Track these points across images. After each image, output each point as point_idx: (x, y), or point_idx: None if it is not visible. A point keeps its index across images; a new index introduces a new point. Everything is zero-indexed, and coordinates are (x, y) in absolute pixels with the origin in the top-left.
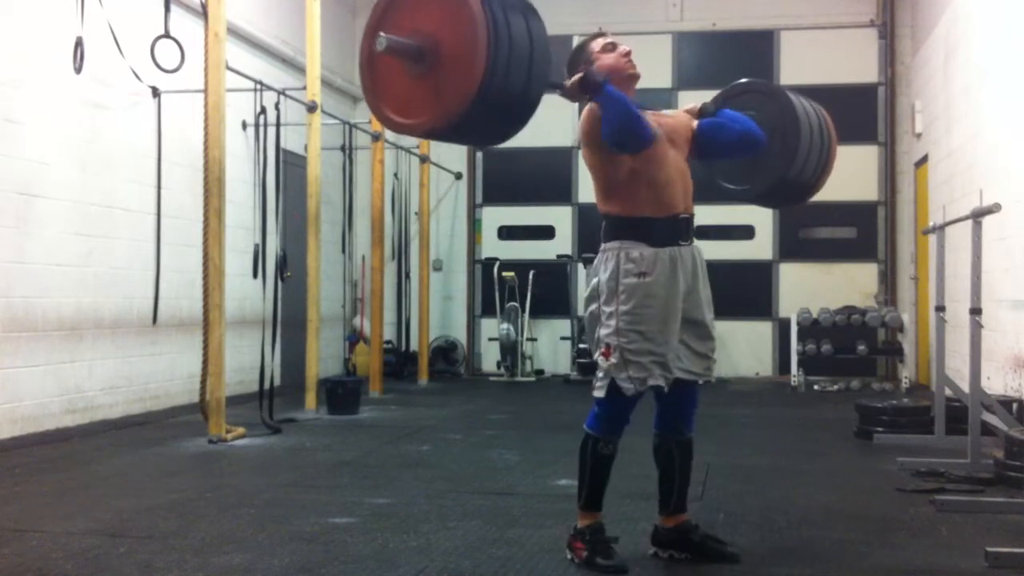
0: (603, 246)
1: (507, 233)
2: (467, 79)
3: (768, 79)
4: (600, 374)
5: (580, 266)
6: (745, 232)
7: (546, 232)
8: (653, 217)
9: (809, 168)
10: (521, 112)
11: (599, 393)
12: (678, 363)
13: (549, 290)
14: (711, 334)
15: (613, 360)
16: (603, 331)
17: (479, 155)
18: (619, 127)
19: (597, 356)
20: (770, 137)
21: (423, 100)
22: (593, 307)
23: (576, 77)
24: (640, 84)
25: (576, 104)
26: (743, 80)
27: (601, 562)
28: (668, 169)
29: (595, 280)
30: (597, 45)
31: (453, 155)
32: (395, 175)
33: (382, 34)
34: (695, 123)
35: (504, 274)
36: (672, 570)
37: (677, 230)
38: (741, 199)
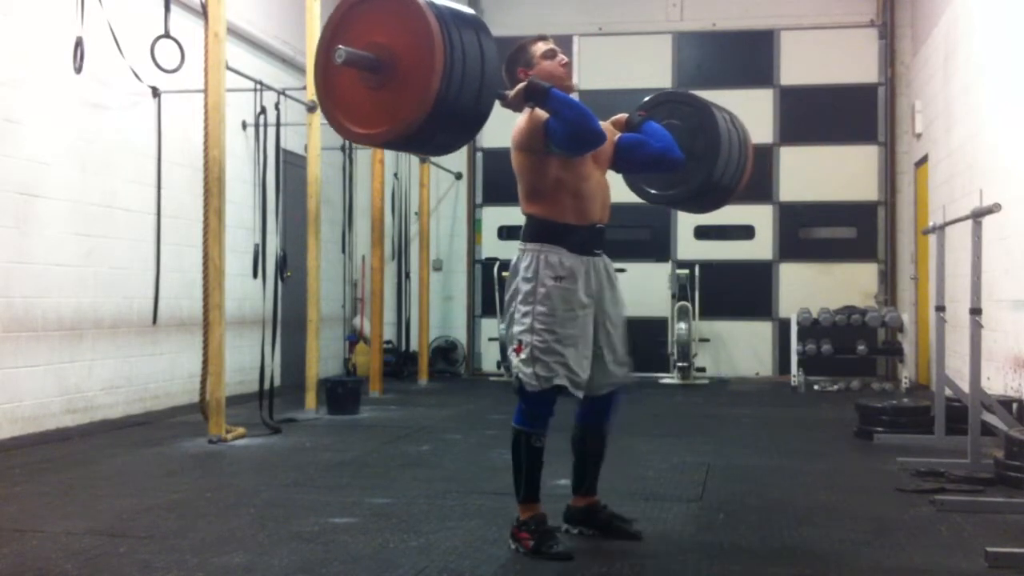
0: (524, 245)
1: (507, 233)
2: (424, 92)
3: (768, 79)
4: (512, 370)
5: None
6: (745, 232)
7: None
8: (574, 225)
9: (729, 172)
10: (472, 124)
11: (516, 390)
12: (603, 379)
13: None
14: (625, 339)
15: (523, 356)
16: (516, 328)
17: (479, 155)
18: (575, 128)
19: (510, 351)
20: (692, 144)
21: (379, 111)
22: (512, 307)
23: (520, 87)
24: (640, 84)
25: None
26: (666, 90)
27: (547, 550)
28: (591, 183)
29: (515, 279)
30: (538, 49)
31: (453, 155)
32: (395, 175)
33: (341, 47)
34: (617, 136)
35: (504, 274)
36: (669, 568)
37: (593, 239)
38: (663, 203)
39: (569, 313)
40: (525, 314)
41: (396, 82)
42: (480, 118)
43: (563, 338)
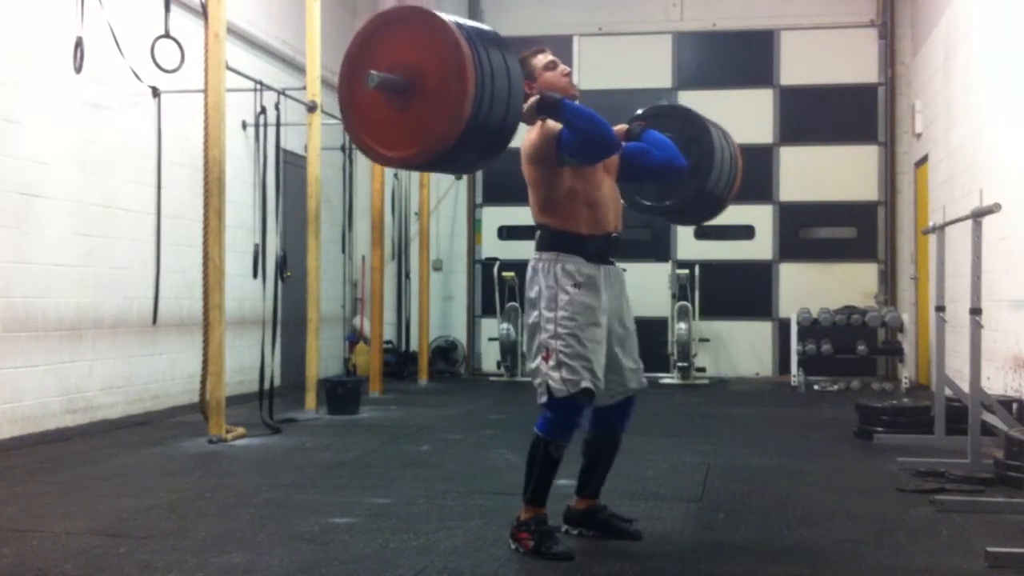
0: (540, 255)
1: (507, 233)
2: (455, 115)
3: (768, 79)
4: (538, 380)
5: None
6: (745, 232)
7: None
8: (589, 235)
9: (720, 188)
10: (499, 144)
11: (542, 399)
12: (619, 387)
13: None
14: (635, 346)
15: (551, 363)
16: (542, 335)
17: None
18: (589, 137)
19: (537, 361)
20: (686, 157)
21: (408, 134)
22: (534, 315)
23: (532, 100)
24: (640, 84)
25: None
26: (662, 103)
27: (547, 550)
28: (603, 191)
29: (536, 288)
30: (539, 62)
31: None
32: (395, 175)
33: (373, 72)
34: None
35: (504, 274)
36: (669, 569)
37: (608, 248)
38: (655, 214)
39: (590, 319)
40: (549, 320)
41: (425, 104)
42: (507, 137)
43: (586, 342)
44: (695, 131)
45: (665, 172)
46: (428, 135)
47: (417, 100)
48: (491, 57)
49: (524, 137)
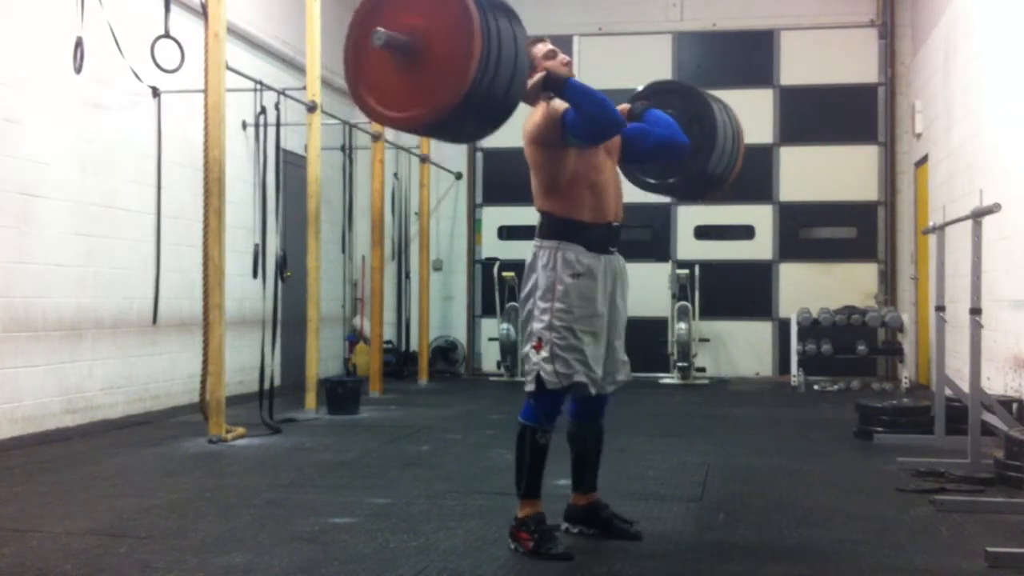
0: (541, 242)
1: (507, 233)
2: (460, 78)
3: (768, 79)
4: (527, 367)
5: None
6: (745, 232)
7: None
8: (590, 223)
9: (723, 162)
10: (500, 114)
11: (530, 387)
12: (611, 377)
13: None
14: (623, 339)
15: (543, 354)
16: (536, 325)
17: (479, 155)
18: (595, 116)
19: (528, 349)
20: (688, 133)
21: (411, 94)
22: (529, 303)
23: (538, 76)
24: (640, 84)
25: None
26: (662, 80)
27: (547, 551)
28: (605, 174)
29: (533, 276)
30: (539, 51)
31: (453, 155)
32: (395, 175)
33: (380, 29)
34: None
35: (504, 274)
36: (669, 569)
37: (609, 237)
38: (660, 191)
39: (587, 310)
40: (544, 311)
41: (431, 66)
42: (509, 108)
43: (581, 335)
44: (697, 109)
45: (667, 151)
46: (431, 96)
47: (423, 61)
48: (500, 24)
49: (527, 119)
